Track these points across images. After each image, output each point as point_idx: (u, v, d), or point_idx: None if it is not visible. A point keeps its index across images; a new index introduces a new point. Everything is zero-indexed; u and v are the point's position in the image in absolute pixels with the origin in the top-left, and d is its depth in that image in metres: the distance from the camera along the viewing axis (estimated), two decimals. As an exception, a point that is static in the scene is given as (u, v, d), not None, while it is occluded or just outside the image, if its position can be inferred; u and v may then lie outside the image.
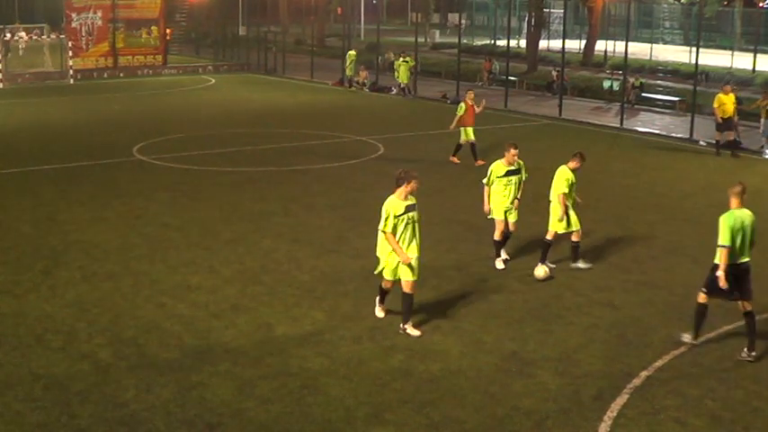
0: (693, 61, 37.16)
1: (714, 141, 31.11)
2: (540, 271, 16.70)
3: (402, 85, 44.90)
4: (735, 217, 13.39)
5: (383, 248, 13.98)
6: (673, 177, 21.43)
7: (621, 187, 24.77)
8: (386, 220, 13.71)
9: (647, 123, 37.61)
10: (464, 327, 14.26)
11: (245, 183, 24.34)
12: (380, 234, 13.88)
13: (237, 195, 22.80)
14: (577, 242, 17.36)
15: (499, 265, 17.41)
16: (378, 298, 14.61)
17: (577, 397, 11.96)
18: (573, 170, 17.02)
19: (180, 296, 15.48)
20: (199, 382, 12.14)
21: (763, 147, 31.53)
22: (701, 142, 32.68)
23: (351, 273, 16.77)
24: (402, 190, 13.80)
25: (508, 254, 17.78)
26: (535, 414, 11.44)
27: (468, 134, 27.38)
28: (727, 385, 12.56)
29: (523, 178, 17.57)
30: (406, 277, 13.85)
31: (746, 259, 13.50)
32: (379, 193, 19.49)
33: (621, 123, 36.43)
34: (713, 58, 53.73)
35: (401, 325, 13.94)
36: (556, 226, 17.10)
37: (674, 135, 34.30)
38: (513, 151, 17.27)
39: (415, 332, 13.83)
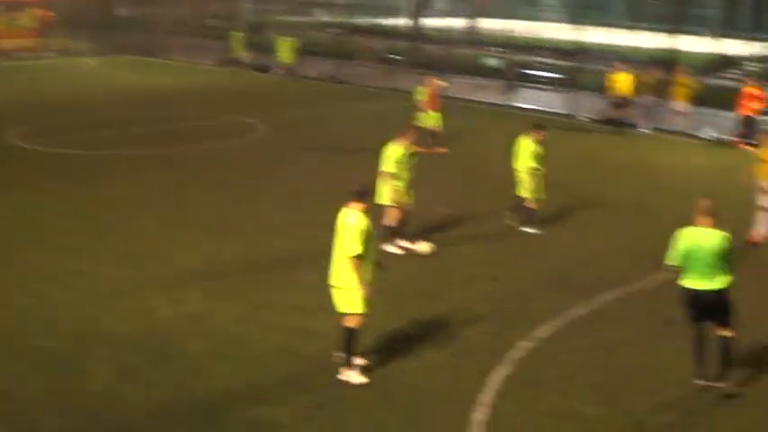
0: (574, 38, 37.74)
1: (601, 118, 31.93)
2: (425, 247, 16.81)
3: (284, 65, 44.69)
4: (686, 235, 11.62)
5: (352, 276, 11.62)
6: (553, 152, 21.72)
7: (503, 162, 25.02)
8: (359, 241, 11.50)
9: (529, 100, 38.12)
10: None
11: (127, 166, 23.90)
12: (349, 259, 11.53)
13: (119, 179, 22.39)
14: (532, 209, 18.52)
15: (423, 248, 17.12)
16: (350, 353, 11.85)
17: (460, 370, 12.11)
18: (536, 142, 18.15)
19: (60, 283, 15.15)
20: (79, 370, 11.94)
21: (637, 121, 32.30)
22: (583, 117, 33.31)
23: (232, 254, 16.65)
24: (363, 206, 11.76)
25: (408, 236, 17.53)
26: (419, 388, 11.58)
27: (429, 120, 26.31)
28: (606, 353, 12.87)
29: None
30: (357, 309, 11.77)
31: (707, 287, 11.51)
32: (262, 173, 19.58)
33: (504, 100, 36.90)
34: (594, 35, 54.65)
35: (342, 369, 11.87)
36: (528, 193, 18.21)
37: (555, 111, 34.85)
38: (412, 135, 17.19)
39: (360, 379, 11.77)
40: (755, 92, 29.99)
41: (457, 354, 12.64)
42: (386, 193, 16.67)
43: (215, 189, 21.37)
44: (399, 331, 13.29)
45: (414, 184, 17.20)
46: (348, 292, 11.59)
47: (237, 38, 47.63)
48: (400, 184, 16.76)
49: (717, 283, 11.44)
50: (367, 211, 11.66)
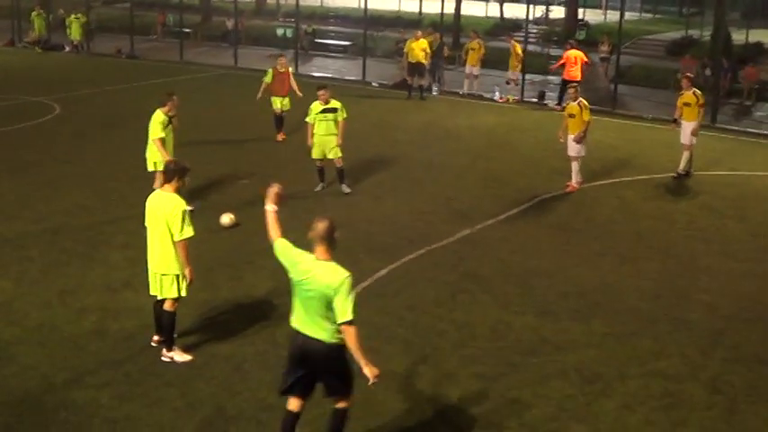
0: (362, 6, 38.31)
1: (393, 83, 32.70)
2: (226, 218, 16.90)
3: (75, 43, 43.59)
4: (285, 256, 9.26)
5: (177, 261, 11.31)
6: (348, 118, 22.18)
7: (300, 131, 25.28)
8: (187, 223, 11.19)
9: (322, 68, 38.50)
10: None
11: None
12: (178, 243, 11.16)
13: None
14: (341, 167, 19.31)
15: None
16: (170, 334, 11.76)
17: (273, 338, 12.29)
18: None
19: None
20: None
21: (431, 85, 33.23)
22: (374, 83, 33.94)
23: (35, 238, 16.30)
24: (174, 184, 11.36)
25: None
26: (233, 358, 11.73)
27: (276, 103, 24.54)
28: (414, 312, 13.38)
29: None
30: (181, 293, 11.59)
31: (312, 335, 8.92)
32: (61, 153, 19.19)
33: (297, 69, 37.15)
34: (382, 2, 55.49)
35: (165, 351, 11.75)
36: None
37: (347, 78, 35.35)
38: (175, 98, 17.52)
39: (185, 357, 11.75)
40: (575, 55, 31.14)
41: (268, 322, 12.85)
42: (156, 159, 17.18)
43: (14, 172, 20.74)
44: (211, 305, 13.40)
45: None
46: (172, 278, 11.36)
47: (41, 17, 45.46)
48: (169, 149, 17.20)
49: (322, 333, 8.88)
50: (179, 190, 11.46)
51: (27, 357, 11.72)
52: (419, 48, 31.77)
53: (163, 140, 17.04)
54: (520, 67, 32.60)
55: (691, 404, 11.00)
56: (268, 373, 11.26)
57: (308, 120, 19.11)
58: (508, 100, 31.95)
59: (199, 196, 18.35)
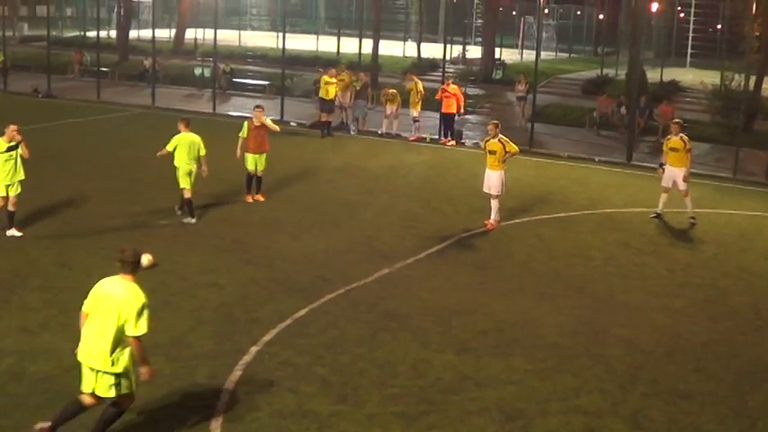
0: (281, 46, 38.38)
1: (311, 123, 32.75)
2: (144, 260, 16.68)
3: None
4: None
5: (125, 358, 10.16)
6: (269, 158, 22.16)
7: (219, 170, 25.20)
8: (144, 318, 10.02)
9: (240, 108, 38.40)
10: (74, 323, 13.86)
11: None
12: (131, 339, 10.01)
13: None
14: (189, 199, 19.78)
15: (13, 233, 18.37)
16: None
17: (192, 378, 12.18)
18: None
19: None
20: None
21: (349, 124, 33.40)
22: (292, 123, 33.97)
23: (-54, 280, 15.97)
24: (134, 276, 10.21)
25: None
26: (152, 401, 11.50)
27: (250, 162, 21.92)
28: (334, 351, 13.29)
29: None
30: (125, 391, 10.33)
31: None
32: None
33: (214, 109, 37.14)
34: (300, 42, 55.72)
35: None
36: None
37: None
38: (12, 127, 18.05)
39: None
40: (453, 91, 31.76)
41: (186, 363, 12.70)
42: None
43: None
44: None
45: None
46: (113, 377, 10.09)
47: None
48: (2, 175, 17.95)
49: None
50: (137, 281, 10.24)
51: (-61, 401, 11.42)
52: (332, 84, 31.99)
53: None
54: (420, 104, 32.79)
55: (611, 439, 11.09)
56: (188, 415, 11.13)
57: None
58: (425, 139, 32.16)
59: (117, 236, 18.14)
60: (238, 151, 21.87)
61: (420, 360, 13.08)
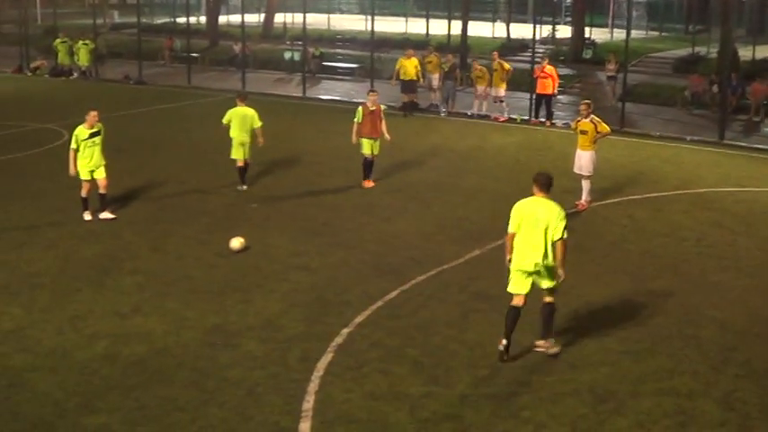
0: (370, 29, 38.43)
1: (399, 105, 32.66)
2: (236, 242, 16.93)
3: (83, 69, 43.76)
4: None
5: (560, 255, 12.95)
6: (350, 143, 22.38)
7: (307, 153, 25.39)
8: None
9: (329, 91, 38.57)
10: (166, 306, 14.27)
11: None
12: (561, 242, 12.82)
13: None
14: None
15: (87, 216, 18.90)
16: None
17: (284, 361, 12.28)
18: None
19: None
20: None
21: (439, 106, 33.32)
22: (382, 106, 33.97)
23: (45, 265, 16.31)
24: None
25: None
26: (245, 382, 11.67)
27: (366, 147, 21.84)
28: (425, 333, 13.31)
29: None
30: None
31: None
32: (68, 182, 19.22)
33: (304, 93, 37.30)
34: (389, 24, 55.69)
35: None
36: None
37: (355, 101, 35.37)
38: (92, 113, 18.80)
39: None
40: (550, 71, 31.38)
41: (279, 345, 12.85)
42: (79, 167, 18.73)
43: (23, 199, 20.79)
44: (221, 329, 13.40)
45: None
46: (551, 267, 12.61)
47: (64, 47, 45.19)
48: (86, 160, 18.71)
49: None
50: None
51: (39, 383, 11.71)
52: (411, 65, 31.99)
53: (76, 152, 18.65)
54: (505, 84, 32.34)
55: (704, 422, 10.93)
56: (280, 397, 11.25)
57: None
58: (517, 120, 31.88)
59: (209, 220, 18.42)
60: (353, 137, 21.72)
61: (511, 341, 13.03)
